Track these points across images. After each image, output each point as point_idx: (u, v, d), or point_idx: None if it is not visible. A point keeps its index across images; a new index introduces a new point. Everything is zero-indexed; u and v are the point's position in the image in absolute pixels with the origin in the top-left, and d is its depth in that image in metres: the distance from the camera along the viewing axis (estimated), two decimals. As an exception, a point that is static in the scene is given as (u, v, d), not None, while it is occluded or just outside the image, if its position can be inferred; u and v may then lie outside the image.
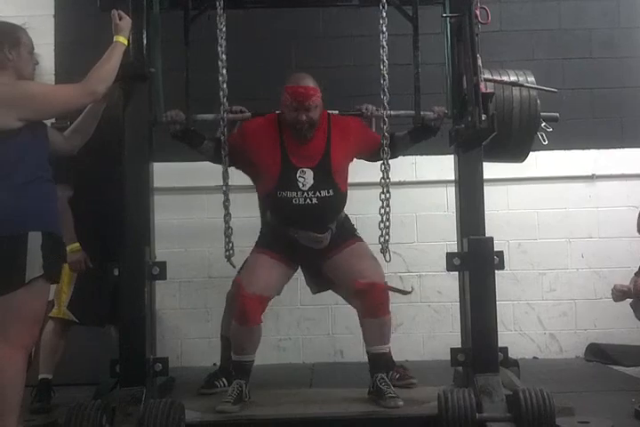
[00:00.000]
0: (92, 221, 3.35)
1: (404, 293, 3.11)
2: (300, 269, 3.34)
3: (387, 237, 3.00)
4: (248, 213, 3.45)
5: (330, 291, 3.40)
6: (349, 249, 3.17)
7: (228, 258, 3.03)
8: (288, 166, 3.08)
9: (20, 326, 2.52)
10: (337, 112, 3.24)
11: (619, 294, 3.85)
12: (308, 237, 3.13)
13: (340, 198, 3.17)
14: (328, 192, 3.09)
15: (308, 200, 3.07)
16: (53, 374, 3.42)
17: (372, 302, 3.07)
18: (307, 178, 3.07)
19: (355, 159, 3.27)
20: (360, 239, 3.25)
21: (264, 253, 3.17)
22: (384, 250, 3.01)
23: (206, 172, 3.40)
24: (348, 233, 3.22)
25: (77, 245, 3.37)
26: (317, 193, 3.07)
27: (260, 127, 3.17)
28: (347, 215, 3.29)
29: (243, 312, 3.04)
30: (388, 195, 3.03)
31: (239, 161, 3.21)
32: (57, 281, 2.72)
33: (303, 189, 3.07)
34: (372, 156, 3.19)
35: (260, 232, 3.31)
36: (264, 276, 3.09)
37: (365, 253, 3.18)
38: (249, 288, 3.03)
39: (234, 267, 3.05)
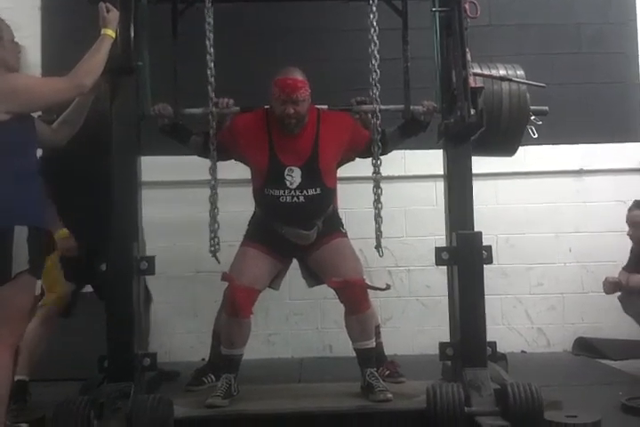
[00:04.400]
0: (78, 214, 3.33)
1: (381, 289, 3.12)
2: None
3: (379, 232, 3.00)
4: (238, 208, 3.45)
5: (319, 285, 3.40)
6: (329, 245, 3.17)
7: (214, 253, 3.02)
8: (276, 164, 3.08)
9: (6, 322, 2.51)
10: (326, 107, 3.23)
11: (610, 286, 3.87)
12: (295, 234, 3.14)
13: (328, 196, 3.17)
14: (315, 190, 3.09)
15: (295, 198, 3.07)
16: (40, 370, 3.39)
17: (348, 298, 3.09)
18: (294, 176, 3.07)
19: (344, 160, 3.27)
20: (343, 235, 3.25)
21: (252, 246, 3.17)
22: (378, 245, 3.02)
23: (195, 165, 3.38)
24: (332, 228, 3.22)
25: (66, 231, 3.34)
26: (305, 191, 3.07)
27: (249, 123, 3.16)
28: (335, 209, 3.29)
29: (233, 304, 3.05)
30: (379, 190, 3.04)
31: (232, 156, 3.21)
32: (39, 276, 2.69)
33: (291, 187, 3.07)
34: (361, 153, 3.20)
35: (249, 224, 3.30)
36: (253, 268, 3.10)
37: (344, 249, 3.19)
38: (239, 280, 3.04)
39: (219, 262, 3.05)
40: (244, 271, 3.08)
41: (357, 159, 3.30)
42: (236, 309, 3.04)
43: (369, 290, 3.14)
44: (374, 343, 3.20)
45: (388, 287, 3.14)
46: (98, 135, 3.09)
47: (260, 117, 3.15)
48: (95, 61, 2.72)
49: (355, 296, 3.08)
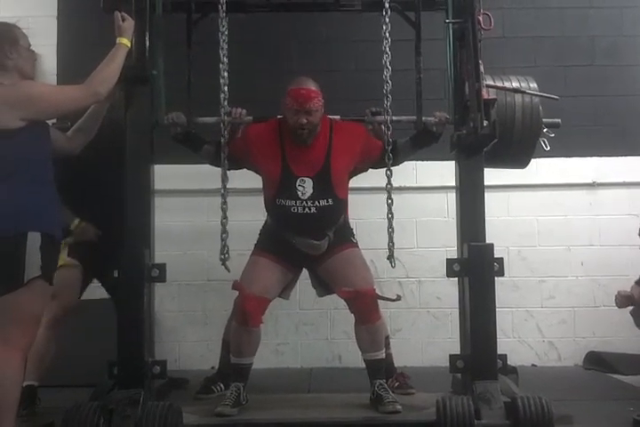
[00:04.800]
0: (91, 222, 3.35)
1: (392, 300, 3.12)
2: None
3: (391, 243, 3.00)
4: (249, 217, 3.46)
5: (329, 295, 3.40)
6: (340, 255, 3.17)
7: (223, 262, 3.03)
8: (288, 175, 3.09)
9: (18, 326, 2.52)
10: (338, 117, 3.25)
11: (623, 301, 3.85)
12: (306, 244, 3.15)
13: (340, 206, 3.18)
14: (327, 201, 3.10)
15: (306, 209, 3.08)
16: (49, 377, 3.40)
17: (358, 309, 3.09)
18: (306, 187, 3.08)
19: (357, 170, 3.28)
20: (354, 245, 3.25)
21: (263, 255, 3.18)
22: (391, 256, 3.02)
23: (207, 174, 3.40)
24: (343, 238, 3.22)
25: (78, 220, 3.34)
26: (316, 202, 3.08)
27: (261, 133, 3.17)
28: (346, 219, 3.30)
29: (243, 312, 3.05)
30: (390, 201, 3.04)
31: (244, 165, 3.22)
32: (52, 282, 2.71)
33: (302, 198, 3.08)
34: (374, 163, 3.21)
35: (260, 233, 3.31)
36: (264, 278, 3.11)
37: (355, 259, 3.19)
38: (249, 289, 3.05)
39: (228, 271, 3.06)
40: (254, 280, 3.09)
41: (369, 169, 3.30)
42: (246, 317, 3.05)
43: (379, 301, 3.14)
44: (384, 354, 3.19)
45: (398, 298, 3.13)
46: (112, 143, 3.12)
47: (272, 127, 3.17)
48: (110, 70, 2.74)
49: (365, 307, 3.07)
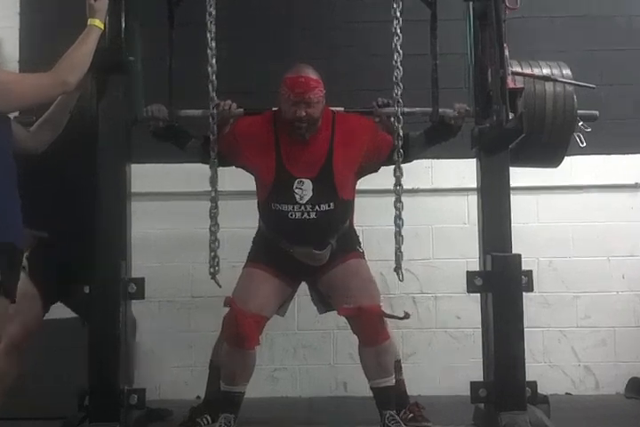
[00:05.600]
0: (56, 228, 3.35)
1: (399, 318, 3.12)
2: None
3: (399, 253, 3.01)
4: (242, 223, 3.45)
5: (331, 313, 3.40)
6: (342, 266, 3.18)
7: (213, 275, 3.04)
8: (284, 176, 3.09)
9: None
10: (342, 109, 3.25)
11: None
12: (305, 254, 3.15)
13: (344, 210, 3.18)
14: (329, 205, 3.10)
15: (305, 215, 3.08)
16: (9, 407, 3.38)
17: (361, 328, 3.09)
18: (305, 190, 3.09)
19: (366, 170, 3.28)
20: (359, 255, 3.26)
21: (258, 267, 3.19)
22: (398, 267, 3.02)
23: (193, 174, 3.42)
24: (347, 246, 3.23)
25: None
26: (317, 207, 3.09)
27: (253, 127, 3.18)
28: (351, 224, 3.30)
29: (238, 333, 3.05)
30: (400, 204, 3.04)
31: (234, 163, 3.23)
32: (14, 299, 2.70)
33: (300, 202, 3.08)
34: (385, 161, 3.21)
35: (253, 242, 3.32)
36: (260, 293, 3.12)
37: (359, 271, 3.19)
38: (245, 306, 3.05)
39: (219, 286, 3.06)
40: (250, 296, 3.09)
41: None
42: (241, 338, 3.05)
43: (388, 319, 3.14)
44: (394, 381, 3.19)
45: (406, 316, 3.13)
46: (82, 139, 3.12)
47: (266, 121, 3.18)
48: (81, 56, 2.74)
49: (369, 326, 3.07)
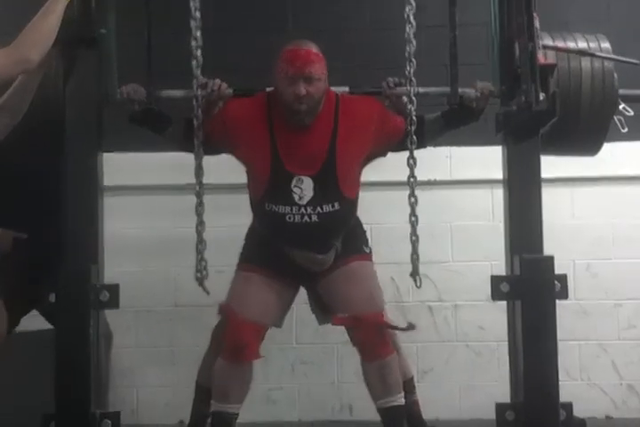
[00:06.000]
0: (17, 227, 3.35)
1: (403, 329, 3.13)
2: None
3: (415, 255, 3.00)
4: (232, 221, 3.45)
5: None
6: (344, 269, 3.18)
7: (201, 281, 3.03)
8: (280, 172, 3.08)
9: None
10: (347, 89, 3.24)
11: None
12: (306, 258, 3.16)
13: (349, 209, 3.19)
14: (332, 206, 3.10)
15: (306, 218, 3.08)
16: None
17: (360, 340, 3.11)
18: (304, 189, 3.08)
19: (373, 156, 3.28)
20: (365, 256, 3.26)
21: (254, 270, 3.18)
22: (415, 273, 3.01)
23: (175, 165, 3.42)
24: (352, 246, 3.23)
25: None
26: (318, 209, 3.09)
27: (244, 111, 3.16)
28: (358, 219, 3.30)
29: (236, 344, 3.06)
30: (414, 199, 3.04)
31: (222, 151, 3.22)
32: None
33: (300, 203, 3.08)
34: (396, 147, 3.21)
35: (246, 238, 3.31)
36: (260, 298, 3.13)
37: (362, 274, 3.20)
38: (242, 314, 3.06)
39: (207, 293, 3.05)
40: (247, 302, 3.10)
41: (385, 158, 3.29)
42: (240, 350, 3.06)
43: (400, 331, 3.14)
44: (402, 400, 3.18)
45: (410, 327, 3.14)
46: (46, 126, 3.11)
47: (258, 104, 3.16)
48: (44, 29, 2.74)
49: (368, 338, 3.08)
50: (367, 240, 3.32)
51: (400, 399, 3.16)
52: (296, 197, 3.08)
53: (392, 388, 3.14)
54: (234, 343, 3.07)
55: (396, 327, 3.17)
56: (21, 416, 3.50)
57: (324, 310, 3.31)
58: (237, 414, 3.14)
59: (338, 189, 3.11)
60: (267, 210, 3.11)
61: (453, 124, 3.23)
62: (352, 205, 3.20)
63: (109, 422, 2.90)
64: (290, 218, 3.09)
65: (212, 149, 3.16)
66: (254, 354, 3.10)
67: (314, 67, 3.02)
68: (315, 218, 3.08)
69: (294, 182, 3.08)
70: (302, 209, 3.08)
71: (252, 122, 3.13)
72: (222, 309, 3.12)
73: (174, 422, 4.07)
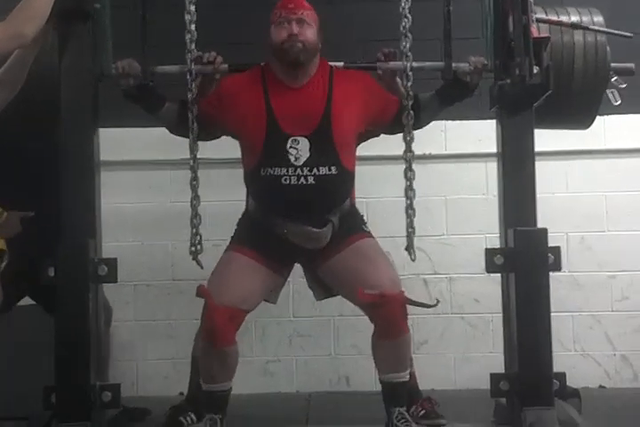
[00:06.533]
0: (12, 204, 3.35)
1: (428, 306, 3.11)
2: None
3: (410, 229, 3.01)
4: (228, 196, 3.44)
5: (332, 298, 3.41)
6: (352, 248, 3.14)
7: (195, 255, 3.04)
8: (276, 133, 3.06)
9: None
10: (342, 64, 3.23)
11: None
12: (302, 233, 3.10)
13: (346, 179, 3.16)
14: (329, 169, 3.07)
15: (302, 179, 3.05)
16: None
17: (383, 318, 3.05)
18: (301, 149, 3.06)
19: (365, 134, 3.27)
20: (368, 234, 3.22)
21: (241, 251, 3.14)
22: (410, 246, 3.01)
23: (171, 141, 3.39)
24: (352, 227, 3.19)
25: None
26: (315, 170, 3.05)
27: (240, 85, 3.16)
28: (353, 203, 3.28)
29: (210, 329, 3.02)
30: (411, 173, 3.04)
31: (218, 131, 3.22)
32: None
33: (296, 164, 3.05)
34: (389, 126, 3.21)
35: (237, 224, 3.29)
36: (240, 283, 3.06)
37: (374, 253, 3.16)
38: (218, 298, 2.99)
39: (201, 267, 3.06)
40: (227, 286, 3.03)
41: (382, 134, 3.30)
42: (213, 335, 3.01)
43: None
44: (408, 377, 3.18)
45: (436, 303, 3.12)
46: (43, 101, 3.10)
47: (254, 75, 3.16)
48: (39, 4, 2.72)
49: (393, 316, 3.02)
50: (365, 222, 3.28)
51: (406, 376, 3.15)
52: (292, 158, 3.06)
53: (403, 365, 3.12)
54: (208, 328, 3.03)
55: (422, 304, 3.13)
56: (22, 388, 3.53)
57: (323, 286, 3.29)
58: (229, 390, 3.11)
59: (334, 151, 3.08)
60: (262, 175, 3.08)
61: (448, 100, 3.22)
62: (348, 176, 3.17)
63: (109, 393, 2.92)
64: (286, 180, 3.05)
65: (206, 133, 3.16)
66: (227, 340, 3.02)
67: (305, 10, 3.07)
68: (311, 180, 3.05)
69: (290, 143, 3.06)
70: (298, 170, 3.05)
71: (248, 90, 3.13)
72: (199, 291, 3.04)
73: (174, 393, 4.08)
